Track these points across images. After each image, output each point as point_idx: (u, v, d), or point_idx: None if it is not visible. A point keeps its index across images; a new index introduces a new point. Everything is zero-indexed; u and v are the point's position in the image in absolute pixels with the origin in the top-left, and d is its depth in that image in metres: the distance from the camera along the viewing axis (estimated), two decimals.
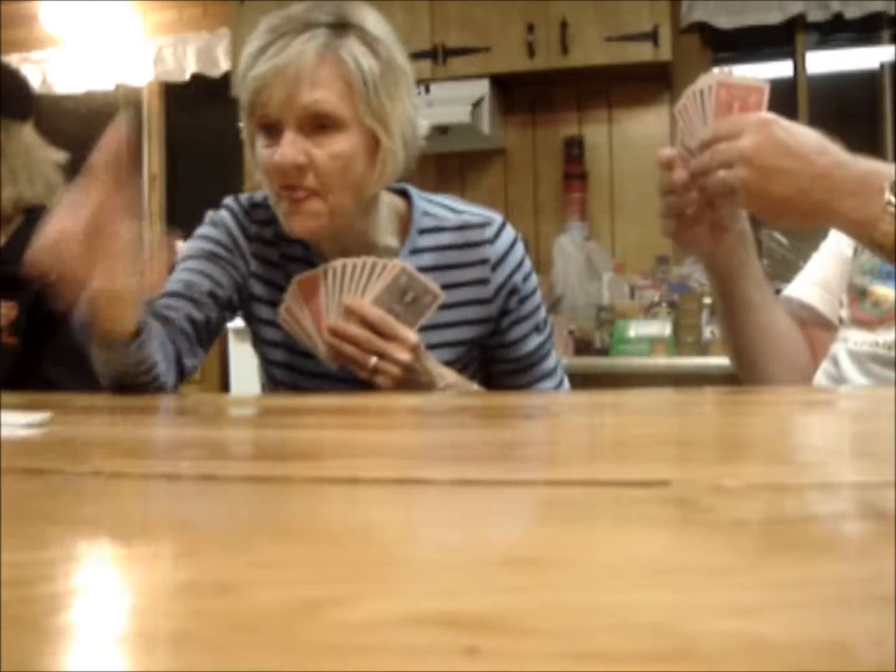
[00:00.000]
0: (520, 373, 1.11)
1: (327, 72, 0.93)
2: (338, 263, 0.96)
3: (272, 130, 0.96)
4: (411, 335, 0.94)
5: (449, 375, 1.00)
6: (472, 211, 1.09)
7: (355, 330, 0.93)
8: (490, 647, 0.19)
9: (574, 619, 0.21)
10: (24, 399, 0.86)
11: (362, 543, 0.30)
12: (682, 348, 2.57)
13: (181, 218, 3.93)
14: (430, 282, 0.96)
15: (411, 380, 0.94)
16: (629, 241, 3.09)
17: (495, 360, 1.11)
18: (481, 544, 0.30)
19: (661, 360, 2.53)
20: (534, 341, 1.10)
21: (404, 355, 0.93)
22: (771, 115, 0.85)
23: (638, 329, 2.60)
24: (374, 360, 0.93)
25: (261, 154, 0.97)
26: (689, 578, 0.24)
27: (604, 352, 2.65)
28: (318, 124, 0.94)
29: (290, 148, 0.93)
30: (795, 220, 0.86)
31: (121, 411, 0.82)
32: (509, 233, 1.08)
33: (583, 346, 2.69)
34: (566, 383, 1.16)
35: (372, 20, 0.99)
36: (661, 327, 2.59)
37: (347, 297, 0.95)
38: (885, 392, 0.78)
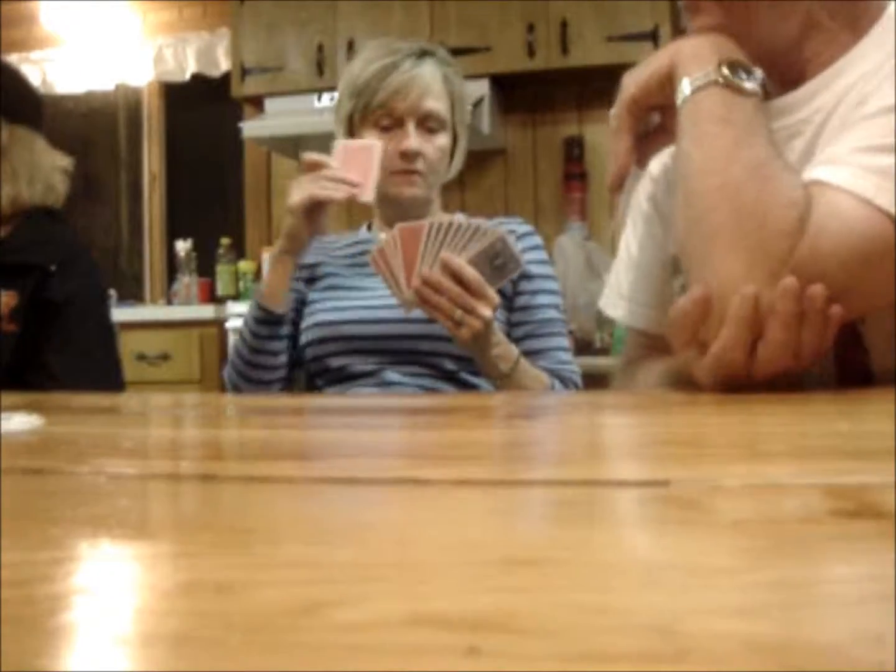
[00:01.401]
0: (540, 337, 1.29)
1: (440, 88, 1.29)
2: (444, 220, 1.10)
3: (390, 127, 1.27)
4: (495, 295, 1.09)
5: (498, 334, 1.16)
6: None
7: (449, 283, 1.07)
8: (490, 647, 0.20)
9: (574, 619, 0.21)
10: (23, 399, 0.86)
11: (362, 543, 0.30)
12: None
13: (181, 218, 3.93)
14: (519, 252, 1.11)
15: (483, 334, 1.10)
16: None
17: (519, 324, 1.29)
18: (481, 544, 0.30)
19: None
20: (553, 313, 1.31)
21: (488, 312, 1.07)
22: None
23: None
24: (459, 312, 1.07)
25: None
26: (689, 578, 0.25)
27: (604, 352, 2.65)
28: (428, 126, 1.28)
29: (415, 139, 1.27)
30: None
31: (121, 411, 0.82)
32: (530, 227, 1.36)
33: (583, 346, 2.69)
34: (577, 370, 1.31)
35: (444, 51, 1.35)
36: None
37: (445, 253, 1.08)
38: (885, 392, 0.78)
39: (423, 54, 1.29)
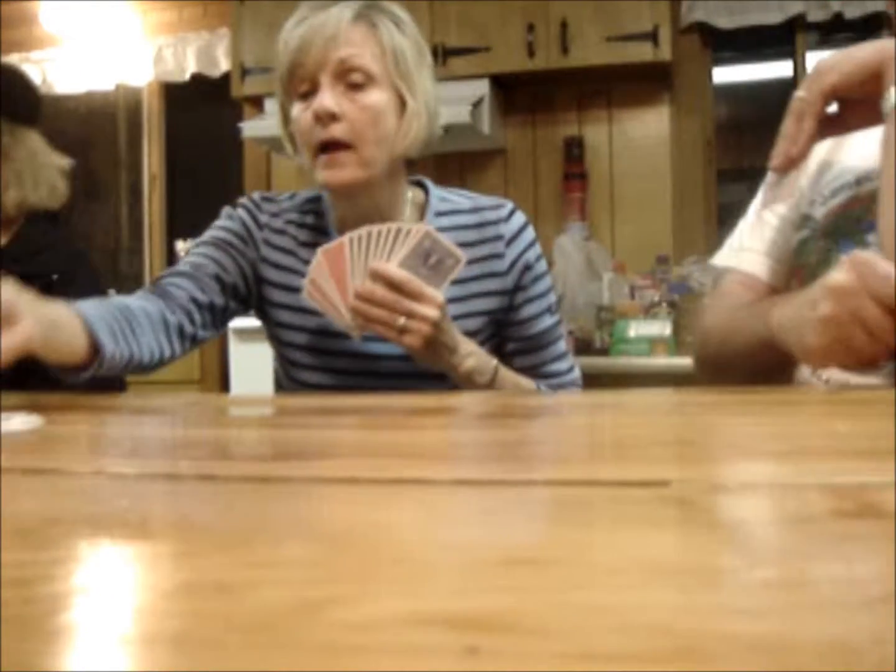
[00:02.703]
0: (534, 351, 1.16)
1: (361, 33, 1.04)
2: (362, 231, 0.99)
3: (308, 95, 1.04)
4: (438, 294, 0.98)
5: (470, 345, 1.04)
6: (485, 197, 1.17)
7: (382, 292, 0.97)
8: (490, 647, 0.20)
9: (574, 619, 0.21)
10: (24, 399, 0.86)
11: (362, 543, 0.30)
12: (682, 348, 2.57)
13: (181, 218, 3.93)
14: (453, 245, 1.00)
15: (438, 340, 0.98)
16: (629, 241, 3.09)
17: (510, 339, 1.16)
18: (481, 544, 0.30)
19: (661, 360, 2.53)
20: (547, 321, 1.16)
21: (432, 312, 0.96)
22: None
23: (638, 329, 2.61)
24: (402, 320, 0.96)
25: (299, 118, 1.05)
26: (689, 578, 0.24)
27: (604, 352, 2.65)
28: (351, 82, 1.03)
29: (327, 98, 1.02)
30: None
31: (120, 411, 0.82)
32: (521, 215, 1.15)
33: (583, 346, 2.69)
34: (577, 370, 1.21)
35: (398, 9, 1.10)
36: (661, 327, 2.59)
37: (373, 262, 0.98)
38: (885, 392, 0.78)
39: (340, 2, 1.05)
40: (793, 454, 0.48)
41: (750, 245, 1.07)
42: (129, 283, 3.87)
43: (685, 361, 2.57)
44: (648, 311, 2.68)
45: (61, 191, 1.53)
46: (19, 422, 0.65)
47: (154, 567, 0.28)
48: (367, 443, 0.58)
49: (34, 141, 1.51)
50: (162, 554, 0.30)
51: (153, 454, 0.57)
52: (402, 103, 1.06)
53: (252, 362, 3.01)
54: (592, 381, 2.43)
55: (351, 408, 0.83)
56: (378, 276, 0.97)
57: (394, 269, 0.97)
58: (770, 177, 0.96)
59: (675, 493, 0.36)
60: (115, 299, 1.03)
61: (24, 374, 1.40)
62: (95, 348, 0.90)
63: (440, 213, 1.15)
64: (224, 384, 3.06)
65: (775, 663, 0.18)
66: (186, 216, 3.84)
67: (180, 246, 3.61)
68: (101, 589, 0.26)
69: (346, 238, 0.99)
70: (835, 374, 0.93)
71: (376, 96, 1.04)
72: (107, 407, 0.87)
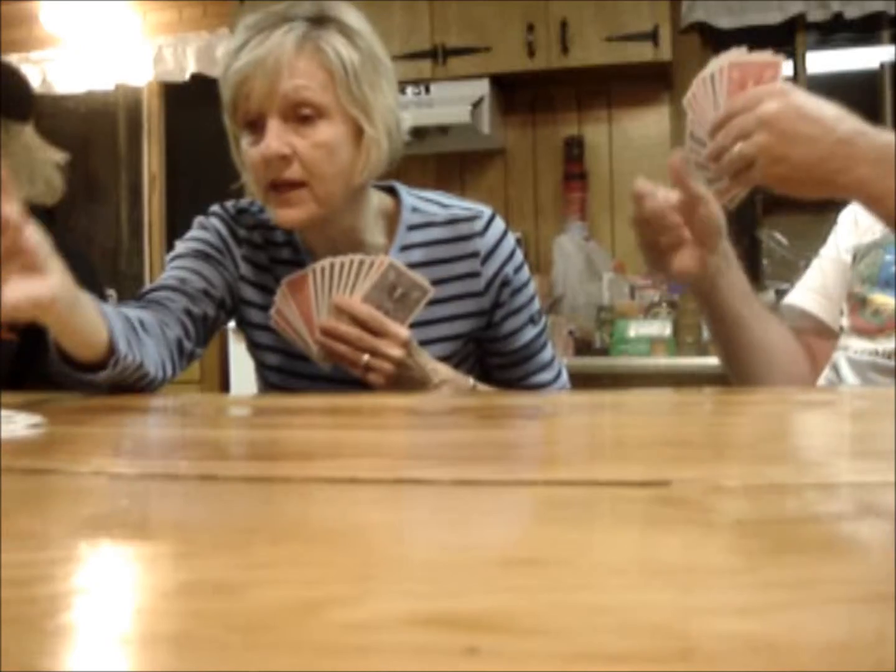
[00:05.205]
0: (516, 365, 1.11)
1: (307, 61, 0.95)
2: (325, 263, 0.96)
3: (255, 126, 0.97)
4: (402, 331, 0.94)
5: (443, 371, 1.00)
6: (460, 205, 1.09)
7: (346, 328, 0.94)
8: (490, 647, 0.20)
9: (574, 619, 0.21)
10: (24, 399, 0.86)
11: (362, 543, 0.30)
12: (682, 348, 2.58)
13: (181, 218, 3.93)
14: (419, 276, 0.96)
15: (404, 376, 0.95)
16: (629, 241, 3.08)
17: (491, 354, 1.11)
18: (481, 544, 0.30)
19: (661, 360, 2.53)
20: (529, 333, 1.10)
21: (396, 351, 0.93)
22: (788, 85, 0.84)
23: (638, 329, 2.61)
24: (365, 357, 0.93)
25: (247, 152, 0.98)
26: (688, 578, 0.25)
27: (604, 352, 2.65)
28: (301, 116, 0.95)
29: (275, 139, 0.94)
30: (812, 189, 0.82)
31: (121, 411, 0.82)
32: (498, 225, 1.08)
33: (583, 346, 2.69)
34: (564, 375, 1.16)
35: (350, 15, 1.00)
36: (661, 327, 2.60)
37: (336, 296, 0.96)
38: (885, 392, 0.78)
39: (285, 21, 0.97)
40: (793, 454, 0.48)
41: (803, 283, 1.14)
42: (129, 283, 3.86)
43: (685, 361, 2.58)
44: (648, 311, 2.68)
45: (58, 186, 1.53)
46: (20, 422, 0.65)
47: (154, 567, 0.28)
48: (367, 443, 0.58)
49: (28, 137, 1.51)
50: (162, 554, 0.30)
51: (153, 454, 0.57)
52: (359, 130, 0.98)
53: (252, 362, 3.00)
54: (592, 381, 2.43)
55: (350, 408, 0.83)
56: (341, 311, 0.95)
57: (357, 304, 0.95)
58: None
59: (675, 493, 0.36)
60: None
61: (24, 372, 1.40)
62: (111, 347, 0.83)
63: (413, 227, 1.07)
64: (224, 384, 3.05)
65: (775, 663, 0.18)
66: (186, 216, 3.82)
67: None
68: (101, 589, 0.26)
69: (309, 270, 0.97)
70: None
71: (328, 131, 0.96)
72: (106, 407, 0.87)
